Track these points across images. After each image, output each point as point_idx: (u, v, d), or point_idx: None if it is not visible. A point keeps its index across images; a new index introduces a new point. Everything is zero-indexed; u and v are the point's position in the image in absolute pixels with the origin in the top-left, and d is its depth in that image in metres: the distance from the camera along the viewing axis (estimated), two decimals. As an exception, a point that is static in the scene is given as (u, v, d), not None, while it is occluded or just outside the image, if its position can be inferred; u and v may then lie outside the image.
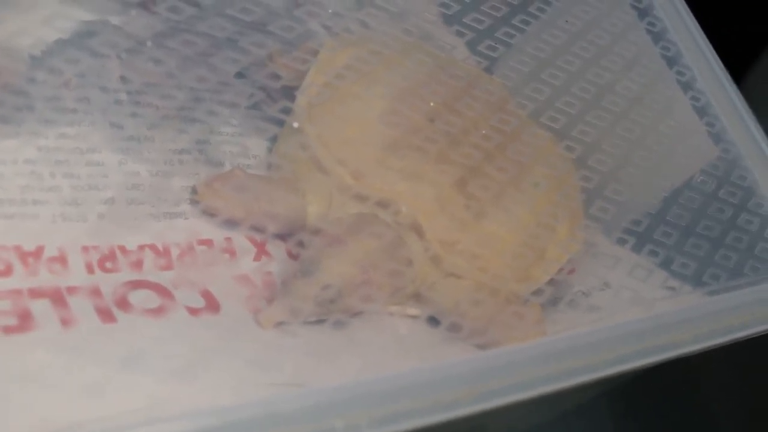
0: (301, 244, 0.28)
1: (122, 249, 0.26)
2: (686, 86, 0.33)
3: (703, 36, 0.34)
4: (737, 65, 0.35)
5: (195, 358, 0.23)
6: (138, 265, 0.26)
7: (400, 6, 0.35)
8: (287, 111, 0.29)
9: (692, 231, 0.29)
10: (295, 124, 0.28)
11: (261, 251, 0.27)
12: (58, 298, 0.24)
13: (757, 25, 0.49)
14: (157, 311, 0.25)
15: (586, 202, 0.29)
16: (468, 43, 0.34)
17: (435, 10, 0.35)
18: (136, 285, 0.25)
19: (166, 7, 0.30)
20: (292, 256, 0.28)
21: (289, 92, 0.30)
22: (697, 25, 0.34)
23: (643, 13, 0.34)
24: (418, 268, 0.27)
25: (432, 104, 0.29)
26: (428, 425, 0.20)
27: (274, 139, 0.30)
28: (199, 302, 0.25)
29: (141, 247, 0.26)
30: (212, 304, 0.25)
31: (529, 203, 0.29)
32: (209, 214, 0.27)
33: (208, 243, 0.27)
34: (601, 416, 0.45)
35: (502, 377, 0.22)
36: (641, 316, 0.25)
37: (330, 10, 0.32)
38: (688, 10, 0.34)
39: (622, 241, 0.28)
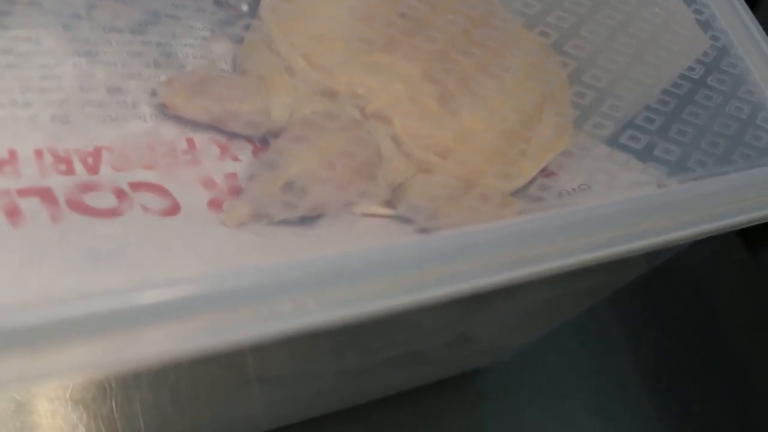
0: (266, 142, 0.27)
1: (77, 151, 0.25)
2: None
3: None
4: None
5: (150, 256, 0.23)
6: (94, 167, 0.25)
7: None
8: (253, 12, 0.28)
9: (677, 117, 0.28)
10: (244, 7, 0.27)
11: (225, 152, 0.26)
12: (7, 200, 0.23)
13: None
14: (112, 211, 0.24)
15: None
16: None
17: None
18: (91, 187, 0.24)
19: None
20: (258, 157, 0.27)
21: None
22: None
23: None
24: (389, 164, 0.26)
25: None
26: (384, 310, 0.19)
27: (239, 42, 0.29)
28: (158, 203, 0.24)
29: (97, 149, 0.25)
30: (172, 206, 0.24)
31: (507, 97, 0.27)
32: (170, 115, 0.26)
33: (169, 144, 0.26)
34: (595, 332, 0.44)
35: (466, 259, 0.21)
36: (620, 199, 0.24)
37: None
38: None
39: (600, 126, 0.27)
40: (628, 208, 0.24)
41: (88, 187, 0.24)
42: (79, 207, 0.23)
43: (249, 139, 0.27)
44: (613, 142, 0.28)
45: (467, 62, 0.27)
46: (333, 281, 0.19)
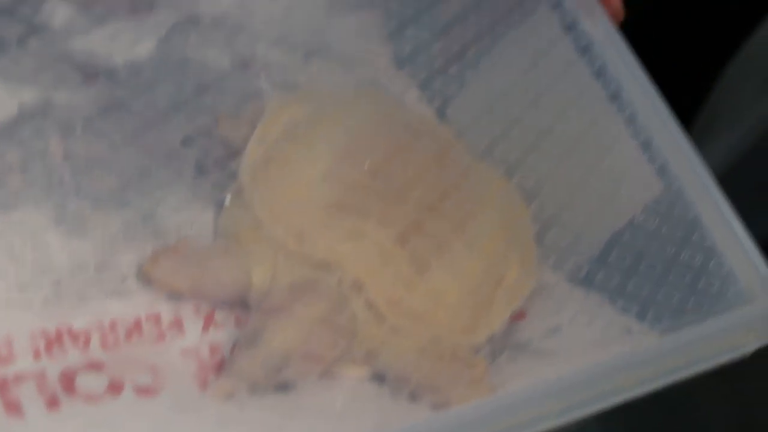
0: (248, 310, 0.28)
1: (69, 330, 0.26)
2: (628, 121, 0.33)
3: (643, 71, 0.34)
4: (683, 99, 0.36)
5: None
6: (85, 345, 0.26)
7: (349, 54, 0.35)
8: (233, 177, 0.30)
9: (634, 271, 0.29)
10: (228, 199, 0.28)
11: (209, 322, 0.28)
12: (4, 387, 0.24)
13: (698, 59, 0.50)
14: (104, 395, 0.25)
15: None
16: (420, 85, 0.34)
17: (387, 52, 0.36)
18: (83, 368, 0.25)
19: (109, 79, 0.31)
20: (241, 325, 0.28)
21: (237, 156, 0.30)
22: (636, 60, 0.34)
23: (583, 50, 0.35)
24: (364, 329, 0.27)
25: (371, 162, 0.29)
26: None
27: (221, 206, 0.30)
28: (146, 380, 0.26)
29: (88, 326, 0.26)
30: (159, 382, 0.26)
31: (474, 252, 0.29)
32: (156, 288, 0.27)
33: (155, 318, 0.27)
34: None
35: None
36: (577, 367, 0.26)
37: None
38: (627, 46, 0.34)
39: (564, 286, 0.28)
40: (593, 374, 0.25)
41: (80, 369, 0.25)
42: (71, 391, 0.25)
43: (232, 308, 0.28)
44: (582, 289, 0.29)
45: (439, 227, 0.28)
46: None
